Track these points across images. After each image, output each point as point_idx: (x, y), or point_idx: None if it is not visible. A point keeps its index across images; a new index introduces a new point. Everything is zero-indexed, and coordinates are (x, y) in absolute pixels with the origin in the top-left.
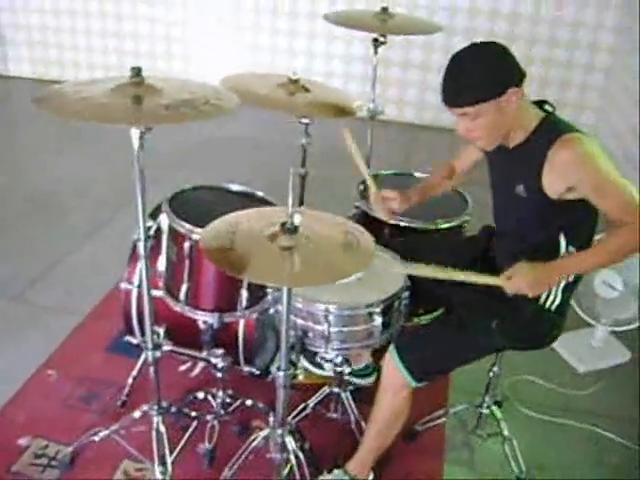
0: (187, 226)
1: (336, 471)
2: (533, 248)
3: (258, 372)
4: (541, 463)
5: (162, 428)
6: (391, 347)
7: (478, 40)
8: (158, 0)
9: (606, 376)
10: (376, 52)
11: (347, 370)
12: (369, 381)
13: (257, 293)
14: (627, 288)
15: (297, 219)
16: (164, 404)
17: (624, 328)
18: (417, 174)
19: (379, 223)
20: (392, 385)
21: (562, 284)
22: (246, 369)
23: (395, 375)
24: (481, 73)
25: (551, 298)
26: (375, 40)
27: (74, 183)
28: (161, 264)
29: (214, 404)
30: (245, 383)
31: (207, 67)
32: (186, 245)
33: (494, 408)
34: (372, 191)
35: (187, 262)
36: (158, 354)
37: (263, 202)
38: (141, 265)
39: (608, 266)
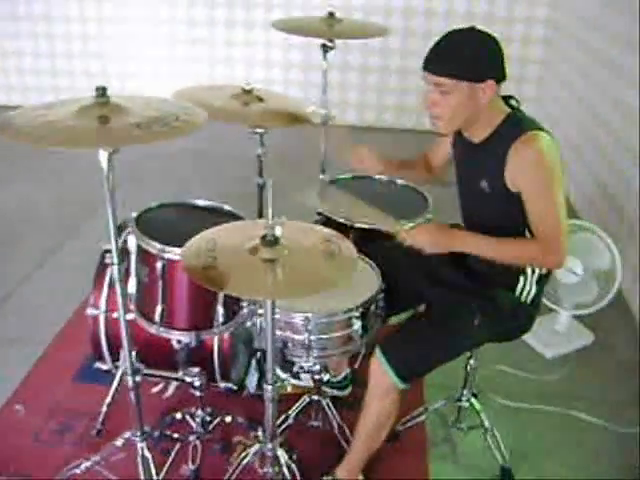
0: (158, 246)
1: (325, 478)
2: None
3: (235, 387)
4: (523, 450)
5: (147, 454)
6: (377, 351)
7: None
8: (108, 19)
9: (573, 359)
10: (325, 57)
11: (326, 378)
12: (345, 393)
13: (232, 308)
14: (587, 272)
15: (278, 231)
16: (146, 429)
17: (586, 311)
18: (376, 176)
19: (344, 228)
20: (380, 388)
21: (536, 276)
22: (222, 385)
23: (383, 378)
24: (470, 52)
25: (526, 290)
26: (323, 45)
27: (20, 210)
28: (131, 286)
29: (193, 424)
30: (221, 399)
31: (161, 83)
32: (158, 265)
33: (473, 401)
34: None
35: (160, 282)
36: (138, 378)
37: (231, 216)
38: (116, 289)
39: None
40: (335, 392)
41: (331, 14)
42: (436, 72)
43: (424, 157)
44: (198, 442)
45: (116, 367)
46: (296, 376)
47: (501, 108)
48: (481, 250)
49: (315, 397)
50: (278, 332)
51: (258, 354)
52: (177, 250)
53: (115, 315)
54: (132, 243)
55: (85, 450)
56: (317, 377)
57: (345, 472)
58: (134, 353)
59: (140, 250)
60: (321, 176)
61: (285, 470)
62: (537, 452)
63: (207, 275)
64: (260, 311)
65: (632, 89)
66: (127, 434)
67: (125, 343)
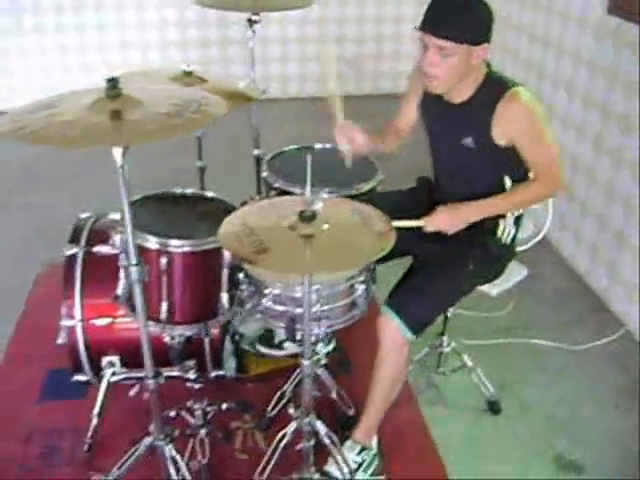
0: (159, 240)
1: (347, 443)
2: (481, 192)
3: (229, 374)
4: (501, 382)
5: (176, 455)
6: (384, 309)
7: None
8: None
9: (514, 293)
10: (253, 31)
11: (319, 347)
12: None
13: (233, 293)
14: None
15: (318, 205)
16: (168, 430)
17: (521, 248)
18: (318, 146)
19: None
20: (394, 344)
21: (513, 218)
22: (213, 374)
23: (395, 334)
24: (471, 16)
25: (507, 232)
26: (249, 20)
27: None
28: (121, 288)
29: (190, 418)
30: (206, 389)
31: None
32: (163, 261)
33: (454, 344)
34: (339, 122)
35: (165, 278)
36: (162, 381)
37: (217, 202)
38: (135, 291)
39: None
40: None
41: None
42: (440, 35)
43: (391, 125)
44: (204, 435)
45: (99, 377)
46: (279, 347)
47: (481, 68)
48: (494, 210)
49: None
50: (283, 308)
51: (236, 337)
52: (179, 242)
53: (95, 322)
54: (119, 242)
55: (80, 468)
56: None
57: (363, 433)
58: (116, 358)
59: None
60: (255, 151)
61: (327, 440)
62: (512, 381)
63: (262, 259)
64: (268, 290)
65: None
66: (148, 440)
67: (145, 348)
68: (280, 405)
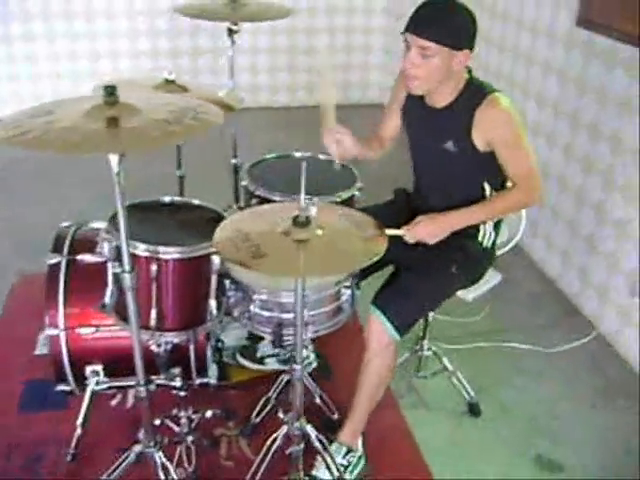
0: (150, 248)
1: (332, 446)
2: (460, 198)
3: (213, 381)
4: (479, 385)
5: (167, 462)
6: (372, 309)
7: None
8: None
9: (489, 298)
10: (233, 41)
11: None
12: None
13: (220, 300)
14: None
15: (312, 211)
16: (157, 437)
17: (500, 252)
18: (297, 154)
19: None
20: (380, 345)
21: (493, 222)
22: (198, 381)
23: (382, 334)
24: (456, 21)
25: (487, 236)
26: (229, 29)
27: None
28: (109, 296)
29: (174, 426)
30: (191, 396)
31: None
32: (153, 268)
33: (434, 348)
34: (328, 126)
35: (154, 285)
36: (152, 387)
37: (203, 209)
38: (128, 297)
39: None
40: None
41: None
42: (423, 36)
43: (376, 134)
44: (190, 442)
45: (82, 386)
46: (260, 362)
47: (463, 74)
48: (473, 219)
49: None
50: (270, 314)
51: (219, 344)
52: (170, 249)
53: (79, 331)
54: (107, 249)
55: (66, 478)
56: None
57: (349, 435)
58: (100, 367)
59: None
60: (233, 160)
61: (317, 443)
62: (490, 384)
63: (258, 264)
64: (255, 297)
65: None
66: (138, 447)
67: (137, 354)
68: (265, 412)
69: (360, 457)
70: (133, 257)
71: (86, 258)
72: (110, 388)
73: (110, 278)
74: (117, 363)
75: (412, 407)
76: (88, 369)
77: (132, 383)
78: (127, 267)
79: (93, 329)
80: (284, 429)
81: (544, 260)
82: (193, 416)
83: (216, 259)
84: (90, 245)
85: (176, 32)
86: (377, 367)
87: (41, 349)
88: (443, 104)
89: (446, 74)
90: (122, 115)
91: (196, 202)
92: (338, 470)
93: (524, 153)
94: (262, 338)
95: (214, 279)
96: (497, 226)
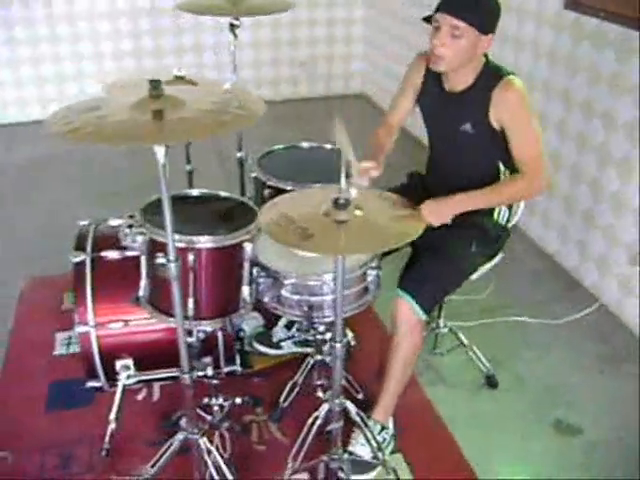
0: (185, 238)
1: (369, 423)
2: (476, 179)
3: (239, 369)
4: (492, 359)
5: (212, 448)
6: (400, 293)
7: None
8: None
9: (492, 276)
10: (235, 36)
11: (328, 336)
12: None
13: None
14: None
15: (352, 194)
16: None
17: None
18: (304, 144)
19: None
20: (409, 325)
21: None
22: (226, 370)
23: (410, 314)
24: (486, 5)
25: (502, 214)
26: (231, 25)
27: None
28: (143, 289)
29: (206, 414)
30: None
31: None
32: (189, 258)
33: (450, 325)
34: (356, 167)
35: (191, 275)
36: (195, 374)
37: (230, 200)
38: (173, 288)
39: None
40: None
41: None
42: (455, 15)
43: (385, 122)
44: (224, 430)
45: (112, 382)
46: (277, 346)
47: (481, 58)
48: (478, 203)
49: (319, 357)
50: (300, 297)
51: (240, 333)
52: (205, 239)
53: (109, 327)
54: (140, 242)
55: (103, 473)
56: (320, 337)
57: (382, 413)
58: (130, 361)
59: (156, 247)
60: (238, 153)
61: (358, 418)
62: (502, 357)
63: (308, 245)
64: (286, 282)
65: None
66: (180, 435)
67: (181, 343)
68: (292, 396)
69: (393, 435)
70: (162, 246)
71: (110, 254)
72: (140, 382)
73: (143, 271)
74: (147, 356)
75: (431, 384)
76: (119, 364)
77: (163, 375)
78: (172, 256)
79: (122, 324)
80: (325, 406)
81: (542, 237)
82: (224, 404)
83: (248, 246)
84: (112, 241)
85: (179, 30)
86: (406, 348)
87: (60, 349)
88: (462, 87)
89: (470, 56)
90: (167, 107)
91: (223, 194)
92: (377, 445)
93: (531, 137)
94: (275, 324)
95: (247, 266)
96: (510, 205)
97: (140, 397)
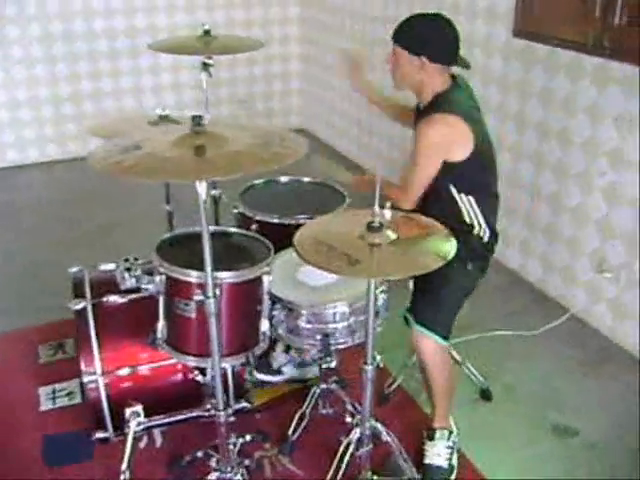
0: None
1: (437, 435)
2: (433, 199)
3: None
4: (483, 372)
5: None
6: (417, 327)
7: None
8: None
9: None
10: (210, 74)
11: (333, 365)
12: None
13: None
14: None
15: (386, 216)
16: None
17: None
18: (283, 178)
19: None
20: (432, 354)
21: (484, 218)
22: (236, 406)
23: (433, 346)
24: (416, 30)
25: (482, 230)
26: (204, 63)
27: None
28: (160, 330)
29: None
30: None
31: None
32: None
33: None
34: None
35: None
36: (230, 412)
37: (238, 235)
38: (210, 325)
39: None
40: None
41: (206, 32)
42: (393, 39)
43: (401, 107)
44: (244, 469)
45: (122, 431)
46: (278, 373)
47: (437, 85)
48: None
49: (324, 386)
50: (318, 326)
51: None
52: (224, 275)
53: (117, 374)
54: (159, 283)
55: None
56: (324, 365)
57: (442, 420)
58: (140, 407)
59: (177, 286)
60: (212, 191)
61: (389, 439)
62: (490, 370)
63: (357, 269)
64: (303, 312)
65: None
66: (214, 475)
67: (217, 381)
68: (301, 427)
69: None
70: (187, 285)
71: (111, 299)
72: (152, 427)
73: (161, 311)
74: (156, 401)
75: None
76: (128, 411)
77: (173, 419)
78: (210, 292)
79: (130, 369)
80: (357, 431)
81: (503, 254)
82: (236, 441)
83: (267, 280)
84: (110, 286)
85: (158, 69)
86: (441, 374)
87: (46, 404)
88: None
89: (412, 77)
90: (209, 143)
91: (230, 229)
92: (451, 449)
93: (414, 166)
94: (273, 349)
95: (266, 299)
96: (488, 221)
97: (142, 444)
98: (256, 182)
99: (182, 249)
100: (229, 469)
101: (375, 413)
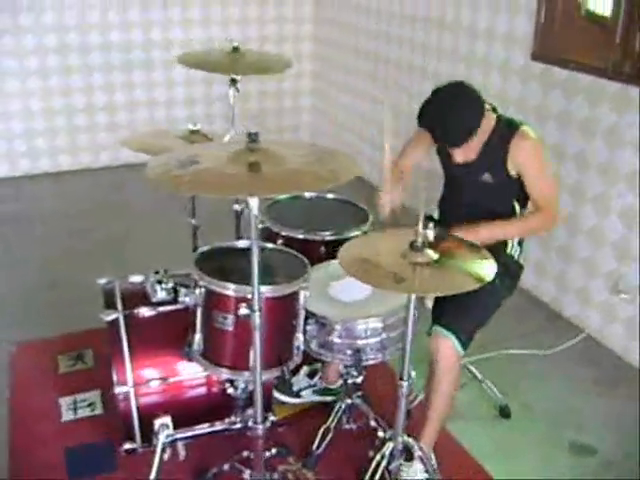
0: (242, 288)
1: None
2: (494, 218)
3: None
4: (501, 390)
5: None
6: (440, 330)
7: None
8: None
9: None
10: (237, 90)
11: (359, 380)
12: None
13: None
14: None
15: (429, 236)
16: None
17: None
18: (307, 194)
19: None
20: (450, 362)
21: (517, 239)
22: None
23: (451, 351)
24: (468, 115)
25: (514, 248)
26: (232, 80)
27: None
28: (197, 343)
29: (244, 468)
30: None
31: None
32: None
33: (463, 361)
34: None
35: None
36: (268, 424)
37: (272, 250)
38: (255, 337)
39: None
40: (327, 398)
41: (235, 48)
42: (459, 145)
43: (396, 170)
44: None
45: (147, 443)
46: (297, 395)
47: (490, 116)
48: (498, 234)
49: (348, 401)
50: (350, 341)
51: None
52: (264, 289)
53: (149, 385)
54: (198, 296)
55: None
56: (350, 381)
57: (427, 443)
58: (169, 420)
59: (216, 299)
60: (235, 206)
61: (421, 453)
62: (507, 388)
63: (403, 286)
64: (337, 326)
65: None
66: None
67: (258, 394)
68: (326, 442)
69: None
70: (226, 299)
71: (142, 311)
72: (180, 439)
73: (198, 323)
74: (185, 412)
75: (450, 420)
76: (157, 423)
77: (201, 432)
78: (257, 306)
79: (160, 381)
80: (390, 445)
81: None
82: (267, 454)
83: (303, 294)
84: (141, 298)
85: (190, 82)
86: (447, 384)
87: (68, 415)
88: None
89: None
90: (263, 160)
91: (267, 245)
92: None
93: (549, 182)
94: (297, 372)
95: (302, 314)
96: (520, 242)
97: (166, 457)
98: (281, 197)
99: (219, 263)
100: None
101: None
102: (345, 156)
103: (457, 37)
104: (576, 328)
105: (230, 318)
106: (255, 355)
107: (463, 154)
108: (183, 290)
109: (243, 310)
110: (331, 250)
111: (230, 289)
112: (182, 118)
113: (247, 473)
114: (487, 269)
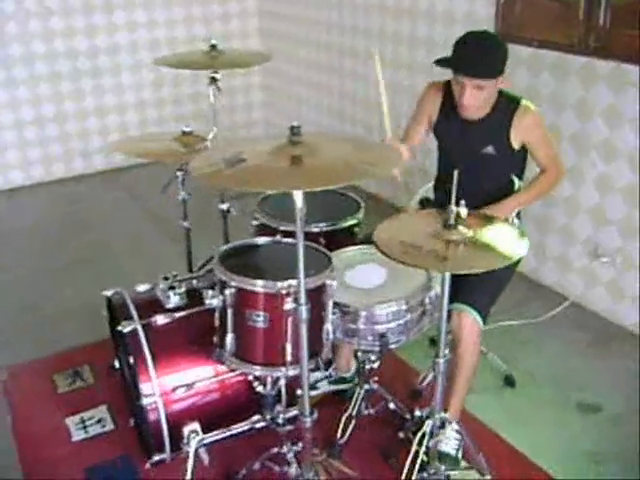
0: (271, 283)
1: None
2: (494, 191)
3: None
4: (506, 359)
5: None
6: (460, 306)
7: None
8: None
9: None
10: (218, 88)
11: (376, 365)
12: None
13: None
14: None
15: (462, 213)
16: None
17: None
18: None
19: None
20: (472, 336)
21: (515, 213)
22: (288, 415)
23: (473, 326)
24: (498, 56)
25: (514, 223)
26: (212, 78)
27: None
28: (229, 342)
29: (274, 465)
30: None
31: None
32: (288, 304)
33: None
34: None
35: (289, 320)
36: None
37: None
38: (301, 331)
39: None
40: (342, 387)
41: (213, 46)
42: (477, 77)
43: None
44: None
45: (176, 452)
46: (314, 387)
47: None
48: (521, 204)
49: (367, 386)
50: (377, 327)
51: None
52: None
53: (175, 393)
54: (229, 296)
55: None
56: (368, 367)
57: (456, 412)
58: (197, 425)
59: (248, 298)
60: (220, 205)
61: (457, 427)
62: (507, 358)
63: (447, 265)
64: (362, 313)
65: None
66: None
67: (305, 387)
68: (350, 429)
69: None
70: (255, 296)
71: (159, 319)
72: (211, 443)
73: (229, 324)
74: (213, 416)
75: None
76: (186, 429)
77: (235, 432)
78: (303, 300)
79: (186, 388)
80: (429, 422)
81: None
82: (292, 449)
83: (331, 285)
84: (153, 306)
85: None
86: (470, 356)
87: (78, 434)
88: (480, 116)
89: (492, 96)
90: (305, 154)
91: (284, 240)
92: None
93: (551, 146)
94: None
95: (330, 304)
96: (518, 215)
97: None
98: (271, 192)
99: (240, 260)
100: (311, 475)
101: (413, 407)
102: (386, 148)
103: (415, 22)
104: (559, 295)
105: (263, 315)
106: (302, 349)
107: (475, 108)
108: (210, 292)
109: (289, 305)
110: (330, 240)
111: (260, 286)
112: (153, 119)
113: (279, 470)
114: (518, 245)
